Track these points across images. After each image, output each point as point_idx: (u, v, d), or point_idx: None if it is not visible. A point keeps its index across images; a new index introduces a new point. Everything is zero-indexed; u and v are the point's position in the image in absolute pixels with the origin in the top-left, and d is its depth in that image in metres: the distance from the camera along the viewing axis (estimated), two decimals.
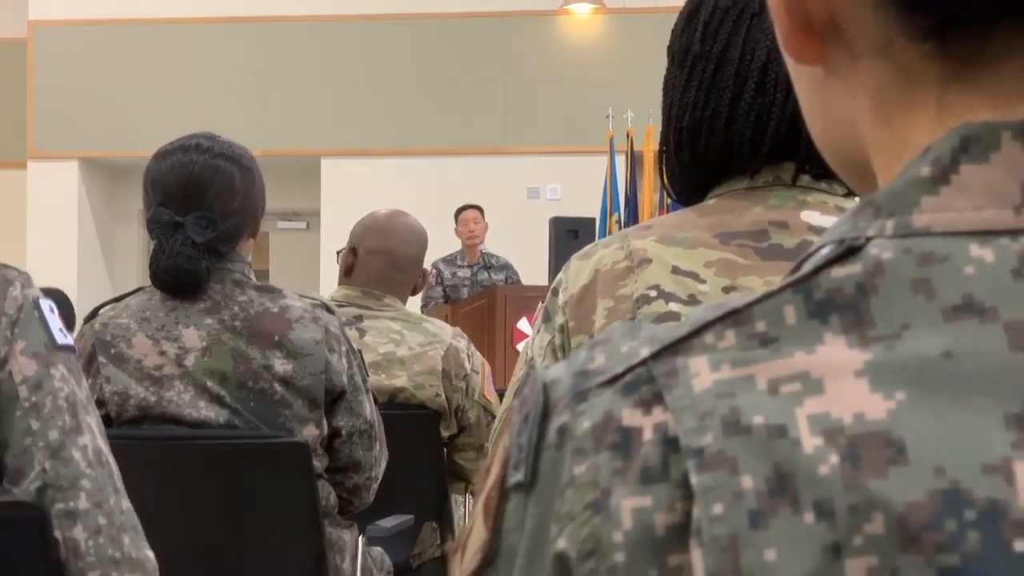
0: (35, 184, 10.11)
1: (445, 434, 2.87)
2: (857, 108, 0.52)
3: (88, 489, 1.31)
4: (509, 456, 0.49)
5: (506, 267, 7.37)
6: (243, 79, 9.95)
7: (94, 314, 2.19)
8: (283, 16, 9.89)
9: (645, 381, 0.46)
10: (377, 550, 2.60)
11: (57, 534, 1.30)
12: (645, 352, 0.47)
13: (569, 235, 6.95)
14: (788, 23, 0.52)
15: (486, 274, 7.24)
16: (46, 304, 1.36)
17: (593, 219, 7.67)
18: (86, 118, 10.00)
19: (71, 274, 9.97)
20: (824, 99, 0.54)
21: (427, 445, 2.83)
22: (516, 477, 0.48)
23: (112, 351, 2.12)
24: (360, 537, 2.40)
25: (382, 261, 2.88)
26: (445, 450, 2.90)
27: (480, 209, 7.44)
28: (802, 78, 0.56)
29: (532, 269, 7.55)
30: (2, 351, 1.29)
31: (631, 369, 0.47)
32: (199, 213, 2.10)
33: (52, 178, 10.08)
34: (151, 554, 1.38)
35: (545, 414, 0.48)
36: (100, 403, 2.06)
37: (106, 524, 1.32)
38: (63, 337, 1.36)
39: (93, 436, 1.35)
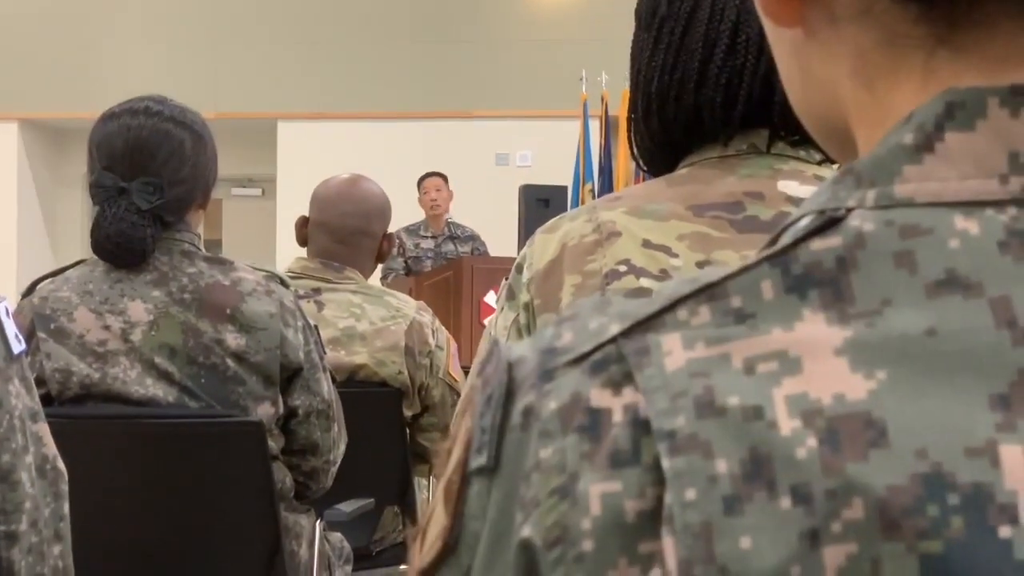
0: None
1: (408, 413, 2.86)
2: (838, 73, 0.52)
3: (28, 509, 1.42)
4: (471, 439, 0.49)
5: (472, 238, 7.28)
6: (195, 36, 9.85)
7: (32, 288, 2.17)
8: None
9: (615, 360, 0.46)
10: (336, 535, 2.60)
11: None
12: (615, 329, 0.47)
13: (540, 204, 6.94)
14: None
15: (451, 245, 7.16)
16: (1, 308, 1.41)
17: (565, 187, 7.67)
18: (26, 76, 9.87)
19: (10, 242, 9.88)
20: (804, 64, 0.54)
21: (389, 425, 2.83)
22: (479, 461, 0.48)
23: (52, 326, 2.10)
24: (318, 522, 2.39)
25: (323, 235, 2.88)
26: (408, 430, 2.90)
27: (444, 177, 7.35)
28: (781, 42, 0.55)
29: (500, 240, 7.52)
30: None
31: (600, 347, 0.47)
32: (145, 179, 2.08)
33: None
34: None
35: (509, 394, 0.48)
36: (40, 381, 2.05)
37: (37, 542, 1.43)
38: (18, 344, 1.42)
39: (40, 445, 1.45)
